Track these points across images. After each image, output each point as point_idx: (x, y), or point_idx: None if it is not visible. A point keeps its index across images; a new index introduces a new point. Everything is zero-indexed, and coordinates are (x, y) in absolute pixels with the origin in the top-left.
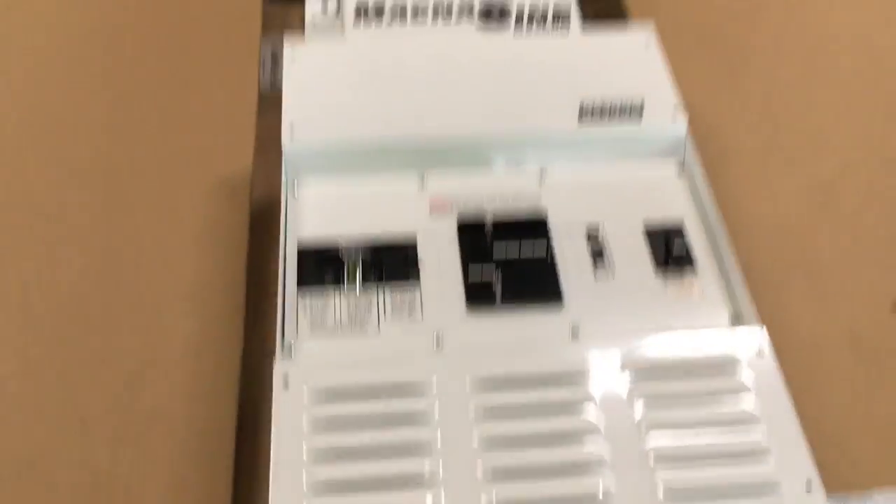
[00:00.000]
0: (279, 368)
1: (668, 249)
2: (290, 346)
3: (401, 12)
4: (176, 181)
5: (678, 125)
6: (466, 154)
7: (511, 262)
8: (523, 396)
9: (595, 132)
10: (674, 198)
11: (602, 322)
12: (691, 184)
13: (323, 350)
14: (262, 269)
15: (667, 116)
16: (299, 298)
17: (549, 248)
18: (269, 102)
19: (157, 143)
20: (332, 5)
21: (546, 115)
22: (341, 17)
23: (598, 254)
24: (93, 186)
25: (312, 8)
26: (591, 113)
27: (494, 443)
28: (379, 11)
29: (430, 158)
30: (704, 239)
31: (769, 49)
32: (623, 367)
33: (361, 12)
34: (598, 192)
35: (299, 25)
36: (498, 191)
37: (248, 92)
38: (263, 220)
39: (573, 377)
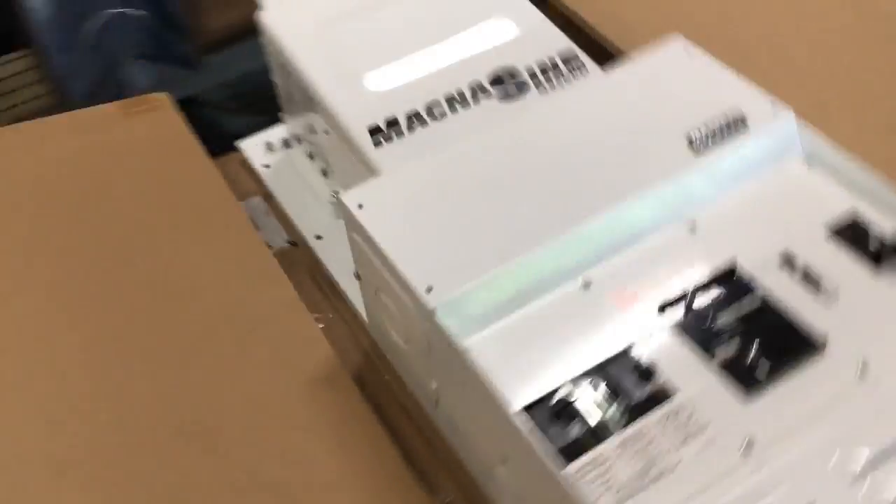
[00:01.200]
0: None
1: (870, 245)
2: None
3: (415, 116)
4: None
5: (785, 119)
6: (611, 236)
7: (742, 331)
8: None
9: (713, 158)
10: (823, 191)
11: (877, 352)
12: (833, 169)
13: None
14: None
15: (767, 115)
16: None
17: (763, 298)
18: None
19: None
20: (276, 139)
21: (658, 163)
22: (304, 143)
23: (807, 279)
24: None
25: (256, 152)
26: (698, 141)
27: None
28: (392, 123)
29: (577, 255)
30: (890, 221)
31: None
32: None
33: (373, 131)
34: (753, 219)
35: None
36: (664, 260)
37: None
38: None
39: None
